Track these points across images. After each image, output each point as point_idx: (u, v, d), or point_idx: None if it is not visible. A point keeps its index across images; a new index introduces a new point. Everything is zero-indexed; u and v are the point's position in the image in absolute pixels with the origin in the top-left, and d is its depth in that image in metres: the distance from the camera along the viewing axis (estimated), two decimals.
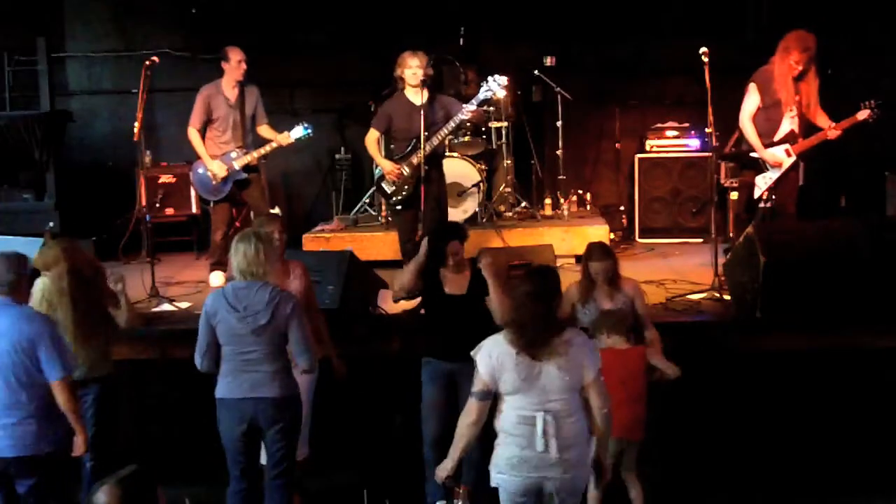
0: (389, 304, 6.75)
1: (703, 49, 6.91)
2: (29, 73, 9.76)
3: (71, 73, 10.07)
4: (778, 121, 7.03)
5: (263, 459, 5.00)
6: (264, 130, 7.59)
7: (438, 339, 5.32)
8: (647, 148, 9.21)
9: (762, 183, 7.09)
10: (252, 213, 7.79)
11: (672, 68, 7.90)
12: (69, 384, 4.52)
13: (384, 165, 7.12)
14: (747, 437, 5.92)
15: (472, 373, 4.66)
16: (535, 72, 9.01)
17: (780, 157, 7.00)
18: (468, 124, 8.27)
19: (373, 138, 7.19)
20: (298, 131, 7.51)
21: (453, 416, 5.08)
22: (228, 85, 7.48)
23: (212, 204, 7.64)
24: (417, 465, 5.36)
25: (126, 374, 6.22)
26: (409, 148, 6.98)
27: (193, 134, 7.44)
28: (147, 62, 7.31)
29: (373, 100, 8.95)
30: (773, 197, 6.99)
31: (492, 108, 8.64)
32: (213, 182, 7.45)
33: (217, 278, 7.53)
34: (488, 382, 4.14)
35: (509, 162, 8.85)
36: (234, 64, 7.40)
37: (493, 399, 4.17)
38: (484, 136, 8.80)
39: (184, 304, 6.98)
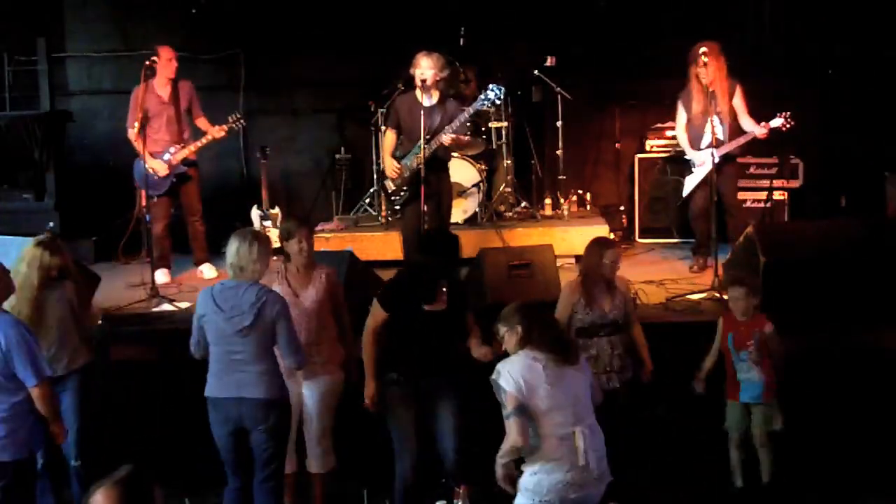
0: None
1: (704, 49, 6.92)
2: (29, 73, 9.76)
3: (71, 73, 10.06)
4: (702, 130, 7.33)
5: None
6: (202, 123, 7.90)
7: (411, 355, 5.00)
8: (647, 148, 9.20)
9: (690, 182, 7.61)
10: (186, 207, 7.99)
11: (672, 68, 7.87)
12: (47, 388, 4.51)
13: (386, 163, 7.10)
14: None
15: (447, 387, 4.75)
16: (535, 72, 8.99)
17: (704, 157, 7.25)
18: (468, 125, 8.24)
19: (386, 135, 7.18)
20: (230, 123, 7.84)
21: (430, 439, 5.00)
22: (160, 83, 7.75)
23: (154, 198, 7.83)
24: (416, 466, 5.31)
25: (126, 374, 6.25)
26: (413, 149, 6.95)
27: (132, 135, 7.63)
28: (147, 62, 7.38)
29: (373, 100, 8.95)
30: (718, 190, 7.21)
31: (492, 109, 8.62)
32: (156, 178, 7.68)
33: (162, 275, 7.75)
34: (519, 397, 3.96)
35: (509, 162, 8.83)
36: (165, 62, 7.67)
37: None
38: (484, 136, 8.79)
39: (184, 304, 6.97)
